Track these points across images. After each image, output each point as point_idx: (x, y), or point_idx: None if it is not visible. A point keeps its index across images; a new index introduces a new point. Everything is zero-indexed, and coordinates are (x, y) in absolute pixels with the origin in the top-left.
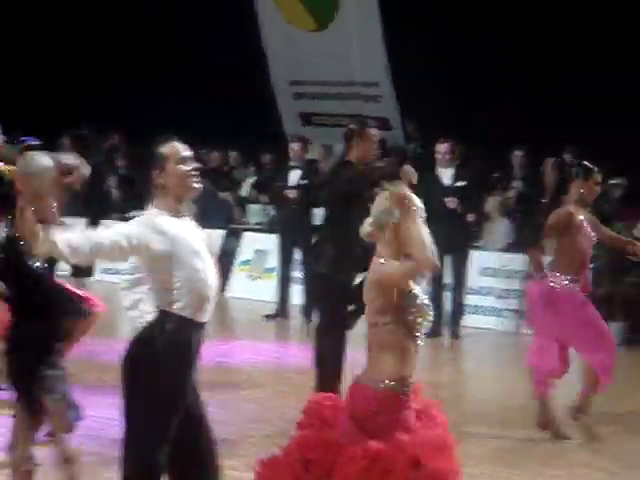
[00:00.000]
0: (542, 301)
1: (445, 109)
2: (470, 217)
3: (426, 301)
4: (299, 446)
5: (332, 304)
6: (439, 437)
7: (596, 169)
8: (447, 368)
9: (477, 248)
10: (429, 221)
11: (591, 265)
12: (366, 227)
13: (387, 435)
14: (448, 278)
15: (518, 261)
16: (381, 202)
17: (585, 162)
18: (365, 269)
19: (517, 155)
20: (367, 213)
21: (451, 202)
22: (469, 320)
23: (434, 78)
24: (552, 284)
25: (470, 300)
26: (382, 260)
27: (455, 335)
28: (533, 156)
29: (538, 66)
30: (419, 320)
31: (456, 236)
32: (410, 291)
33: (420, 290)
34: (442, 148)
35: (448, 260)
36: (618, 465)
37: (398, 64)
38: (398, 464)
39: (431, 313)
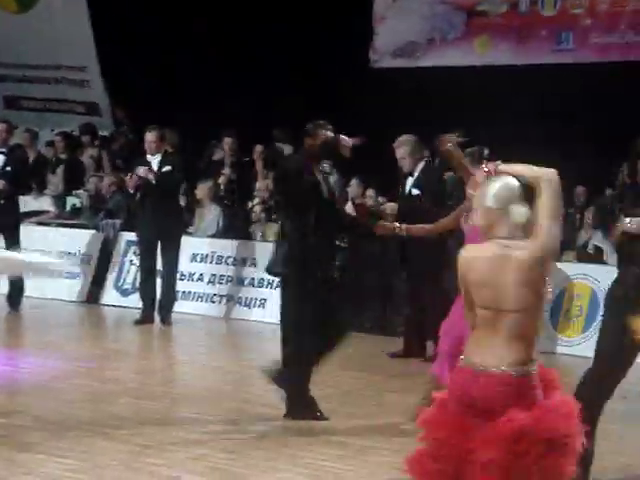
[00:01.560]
0: None
1: (155, 95)
2: (181, 202)
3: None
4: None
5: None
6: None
7: None
8: (158, 354)
9: (188, 234)
10: (145, 207)
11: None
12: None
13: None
14: (159, 264)
15: (228, 247)
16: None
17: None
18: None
19: (227, 141)
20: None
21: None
22: (180, 306)
23: (143, 64)
24: None
25: (181, 286)
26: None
27: (166, 321)
28: (242, 142)
29: (245, 55)
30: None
31: (167, 222)
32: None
33: None
34: (150, 136)
35: (159, 246)
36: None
37: (106, 49)
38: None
39: None
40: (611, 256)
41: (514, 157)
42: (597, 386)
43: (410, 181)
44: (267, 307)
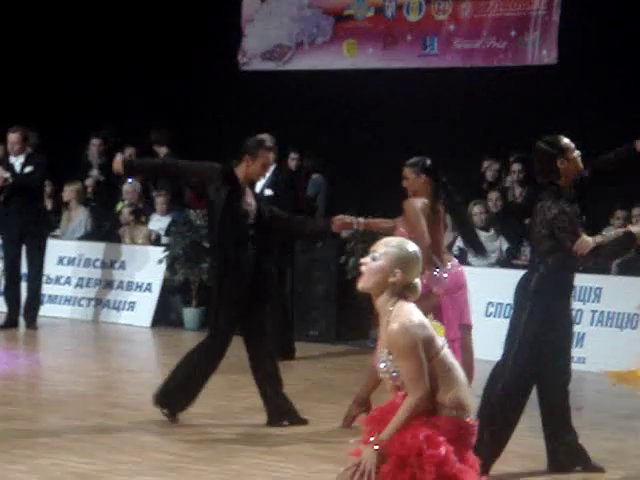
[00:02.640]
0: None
1: (15, 95)
2: (47, 204)
3: None
4: None
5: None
6: None
7: None
8: (23, 360)
9: (55, 237)
10: (8, 209)
11: (166, 252)
12: None
13: None
14: (24, 267)
15: (96, 249)
16: None
17: None
18: None
19: (95, 142)
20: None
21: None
22: (46, 310)
23: (4, 62)
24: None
25: (48, 289)
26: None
27: (31, 325)
28: (112, 144)
29: (115, 54)
30: None
31: (32, 224)
32: None
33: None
34: (13, 137)
35: (24, 249)
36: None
37: None
38: None
39: None
40: (474, 258)
41: (379, 159)
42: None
43: (261, 182)
44: (136, 310)
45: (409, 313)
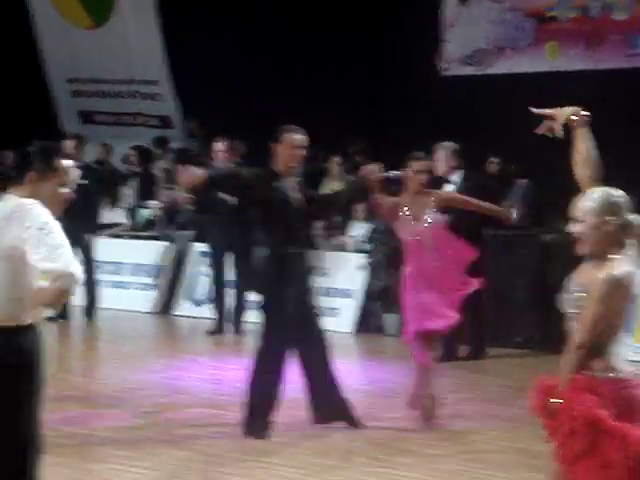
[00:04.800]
0: None
1: (226, 106)
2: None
3: None
4: None
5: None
6: None
7: None
8: (231, 364)
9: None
10: (214, 220)
11: (369, 259)
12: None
13: None
14: (230, 275)
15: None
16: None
17: None
18: None
19: None
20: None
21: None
22: (251, 316)
23: (214, 75)
24: None
25: (253, 296)
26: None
27: (238, 331)
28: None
29: (317, 65)
30: None
31: (239, 234)
32: None
33: None
34: (219, 147)
35: (231, 258)
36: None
37: (177, 62)
38: None
39: None
40: None
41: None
42: None
43: (449, 188)
44: (339, 316)
45: (622, 267)
